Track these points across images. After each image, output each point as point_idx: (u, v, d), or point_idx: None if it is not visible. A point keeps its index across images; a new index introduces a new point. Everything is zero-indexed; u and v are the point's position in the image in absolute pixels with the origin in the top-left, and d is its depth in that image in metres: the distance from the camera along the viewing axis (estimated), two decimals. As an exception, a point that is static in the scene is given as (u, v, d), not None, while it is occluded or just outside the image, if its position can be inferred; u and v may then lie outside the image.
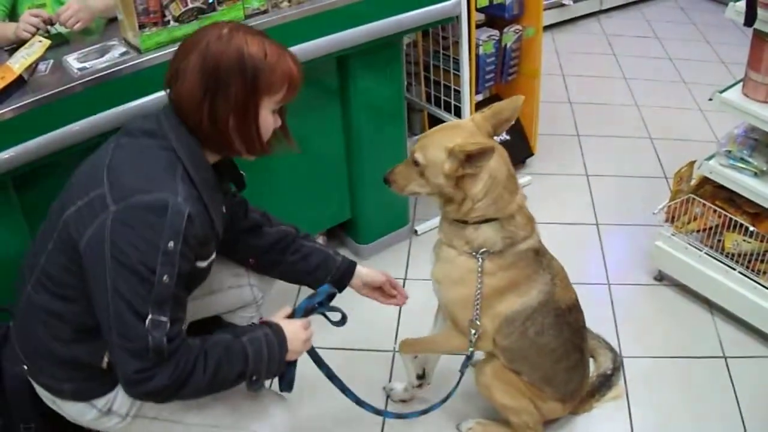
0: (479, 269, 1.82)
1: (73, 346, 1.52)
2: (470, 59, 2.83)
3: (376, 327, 2.48)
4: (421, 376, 2.21)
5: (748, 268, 2.45)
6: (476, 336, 1.87)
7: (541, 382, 2.01)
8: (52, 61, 1.95)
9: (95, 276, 1.39)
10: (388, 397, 2.31)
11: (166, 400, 1.47)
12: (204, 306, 1.89)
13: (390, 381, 2.35)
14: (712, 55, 4.75)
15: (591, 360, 2.29)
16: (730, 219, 2.45)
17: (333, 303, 1.78)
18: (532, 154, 3.45)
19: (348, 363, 2.35)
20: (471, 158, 1.71)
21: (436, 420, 2.18)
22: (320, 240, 2.78)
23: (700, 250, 2.55)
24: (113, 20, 2.23)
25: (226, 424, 1.63)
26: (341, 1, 2.23)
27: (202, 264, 1.55)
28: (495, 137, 1.83)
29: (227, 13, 2.03)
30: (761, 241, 2.39)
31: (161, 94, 1.55)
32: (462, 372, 1.94)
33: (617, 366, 2.36)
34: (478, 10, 2.88)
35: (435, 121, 3.05)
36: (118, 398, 1.56)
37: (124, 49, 1.98)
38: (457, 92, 2.94)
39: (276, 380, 1.68)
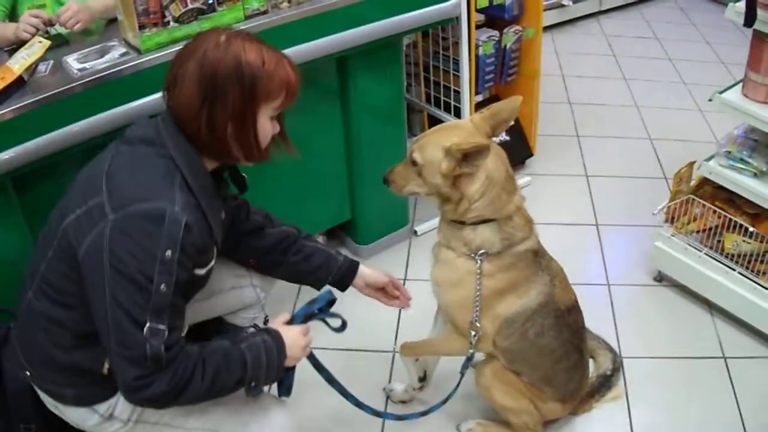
0: (478, 271, 1.82)
1: (73, 352, 1.52)
2: (470, 60, 2.84)
3: (376, 328, 2.48)
4: (423, 379, 2.21)
5: (747, 268, 2.45)
6: (476, 338, 1.87)
7: (541, 382, 2.01)
8: (52, 61, 1.96)
9: (94, 284, 1.40)
10: (388, 397, 2.31)
11: (165, 407, 1.48)
12: (206, 307, 1.89)
13: (390, 382, 2.35)
14: (712, 55, 4.75)
15: (591, 360, 2.29)
16: (730, 219, 2.46)
17: (333, 307, 1.79)
18: (532, 155, 3.45)
19: (348, 364, 2.36)
20: (467, 157, 1.71)
21: (436, 421, 2.17)
22: (320, 240, 2.78)
23: (700, 251, 2.55)
24: (113, 21, 2.23)
25: (227, 428, 1.63)
26: (341, 2, 2.24)
27: (201, 272, 1.55)
28: (494, 138, 1.83)
29: (227, 13, 2.03)
30: (761, 242, 2.40)
31: (161, 94, 1.55)
32: (462, 373, 1.94)
33: (617, 366, 2.37)
34: (477, 10, 2.88)
35: (434, 121, 3.05)
36: (120, 404, 1.57)
37: (124, 50, 1.98)
38: (457, 93, 2.95)
39: (275, 385, 1.68)
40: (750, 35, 2.29)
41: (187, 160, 1.48)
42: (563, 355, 1.99)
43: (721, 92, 2.39)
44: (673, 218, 2.63)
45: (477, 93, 3.10)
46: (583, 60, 4.63)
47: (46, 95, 1.81)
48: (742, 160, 2.38)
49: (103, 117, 1.89)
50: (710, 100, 2.42)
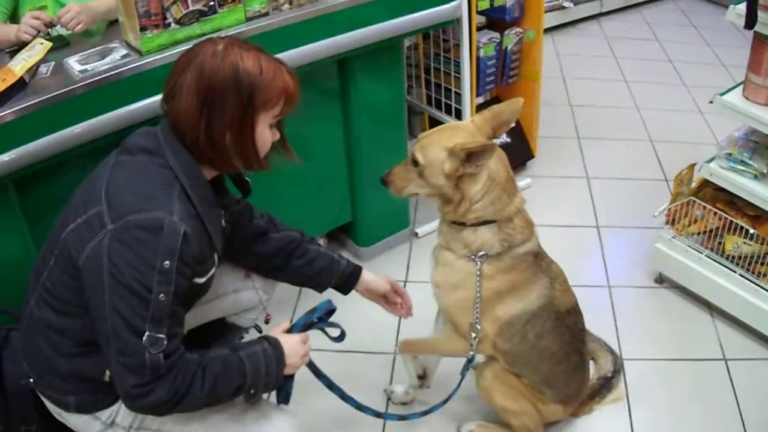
0: (477, 272, 1.82)
1: (75, 360, 1.53)
2: (471, 62, 2.84)
3: (377, 329, 2.48)
4: (422, 377, 2.21)
5: (748, 270, 2.45)
6: (476, 339, 1.87)
7: (542, 384, 2.01)
8: (53, 63, 1.96)
9: (94, 293, 1.41)
10: (389, 399, 2.31)
11: (165, 414, 1.48)
12: (209, 310, 1.90)
13: (391, 383, 2.35)
14: (713, 57, 4.75)
15: (591, 362, 2.29)
16: (731, 221, 2.45)
17: (332, 317, 1.80)
18: (533, 157, 3.45)
19: (349, 365, 2.36)
20: (472, 157, 1.71)
21: (436, 422, 2.18)
22: (321, 242, 2.78)
23: (701, 253, 2.55)
24: (114, 23, 2.24)
25: None
26: (342, 4, 2.24)
27: (200, 280, 1.56)
28: (494, 139, 1.83)
29: (228, 15, 2.03)
30: (762, 244, 2.40)
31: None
32: (462, 375, 1.94)
33: (618, 368, 2.36)
34: (478, 12, 2.89)
35: (435, 123, 3.05)
36: (121, 411, 1.58)
37: (125, 52, 1.98)
38: (458, 95, 2.95)
39: (273, 393, 1.69)
40: (751, 37, 2.29)
41: (185, 170, 1.48)
42: (564, 357, 1.98)
43: (722, 94, 2.39)
44: (673, 220, 2.63)
45: (478, 95, 3.10)
46: (583, 62, 4.63)
47: (47, 97, 1.81)
48: (742, 162, 2.38)
49: (104, 119, 1.89)
50: (711, 102, 2.42)
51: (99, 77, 1.87)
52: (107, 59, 1.95)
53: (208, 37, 1.68)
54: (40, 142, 1.81)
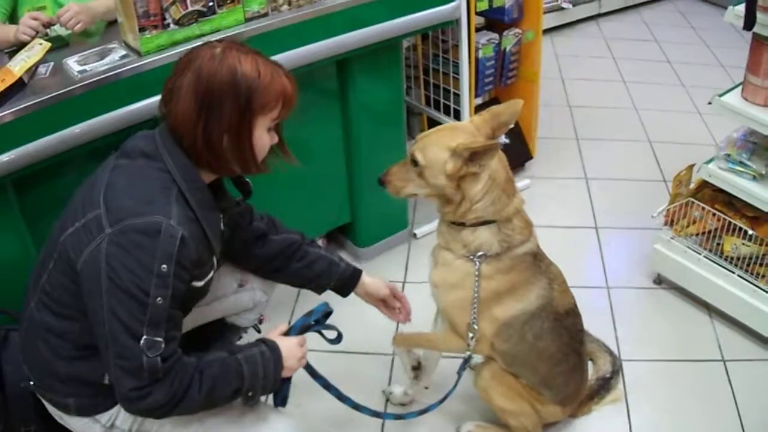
0: (476, 272, 1.82)
1: (75, 363, 1.53)
2: (470, 63, 2.84)
3: (376, 330, 2.48)
4: (417, 368, 2.20)
5: (747, 271, 2.45)
6: (474, 339, 1.87)
7: (540, 385, 2.01)
8: (52, 63, 1.96)
9: (92, 297, 1.41)
10: (387, 400, 2.31)
11: (163, 417, 1.49)
12: (208, 311, 1.90)
13: (389, 384, 2.35)
14: (711, 58, 4.75)
15: (590, 363, 2.29)
16: (729, 222, 2.46)
17: (329, 319, 1.81)
18: (531, 158, 3.46)
19: (347, 366, 2.36)
20: (474, 157, 1.71)
21: (435, 422, 2.18)
22: (320, 243, 2.78)
23: (699, 254, 2.56)
24: (113, 23, 2.24)
25: None
26: (341, 4, 2.24)
27: (198, 284, 1.56)
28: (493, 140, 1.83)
29: (227, 16, 2.03)
30: (760, 245, 2.40)
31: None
32: (459, 374, 1.94)
33: (616, 369, 2.36)
34: (477, 13, 2.89)
35: (434, 124, 3.04)
36: (121, 414, 1.58)
37: (124, 52, 1.98)
38: (457, 95, 2.95)
39: (270, 395, 1.69)
40: (749, 38, 2.29)
41: (183, 174, 1.48)
42: (562, 358, 1.98)
43: (721, 95, 2.39)
44: (672, 221, 2.63)
45: (476, 96, 3.10)
46: (582, 63, 4.63)
47: (46, 97, 1.81)
48: (741, 163, 2.38)
49: (103, 119, 1.89)
50: (710, 103, 2.43)
51: (98, 78, 1.87)
52: (106, 60, 1.95)
53: (206, 40, 1.68)
54: (39, 143, 1.81)
